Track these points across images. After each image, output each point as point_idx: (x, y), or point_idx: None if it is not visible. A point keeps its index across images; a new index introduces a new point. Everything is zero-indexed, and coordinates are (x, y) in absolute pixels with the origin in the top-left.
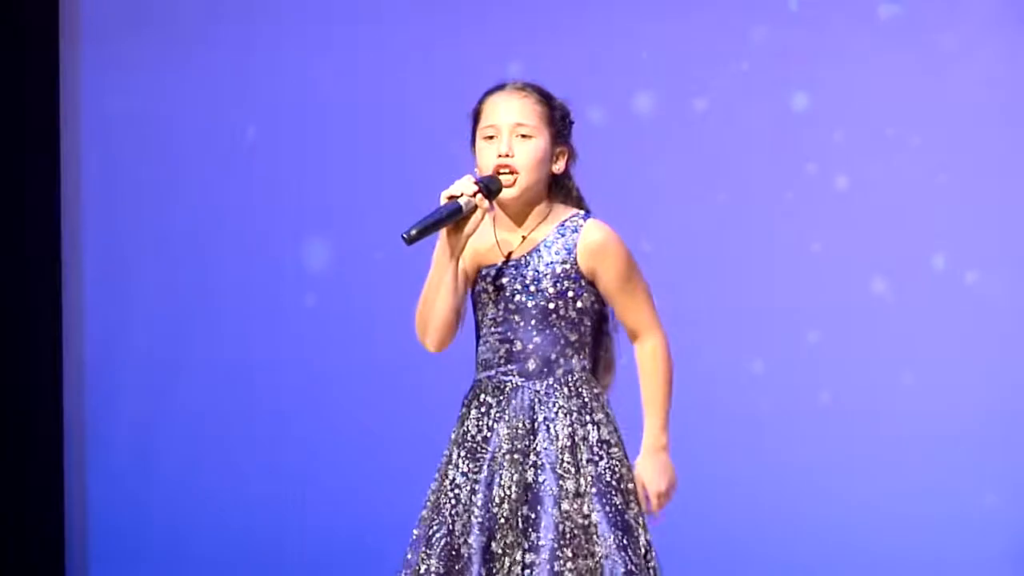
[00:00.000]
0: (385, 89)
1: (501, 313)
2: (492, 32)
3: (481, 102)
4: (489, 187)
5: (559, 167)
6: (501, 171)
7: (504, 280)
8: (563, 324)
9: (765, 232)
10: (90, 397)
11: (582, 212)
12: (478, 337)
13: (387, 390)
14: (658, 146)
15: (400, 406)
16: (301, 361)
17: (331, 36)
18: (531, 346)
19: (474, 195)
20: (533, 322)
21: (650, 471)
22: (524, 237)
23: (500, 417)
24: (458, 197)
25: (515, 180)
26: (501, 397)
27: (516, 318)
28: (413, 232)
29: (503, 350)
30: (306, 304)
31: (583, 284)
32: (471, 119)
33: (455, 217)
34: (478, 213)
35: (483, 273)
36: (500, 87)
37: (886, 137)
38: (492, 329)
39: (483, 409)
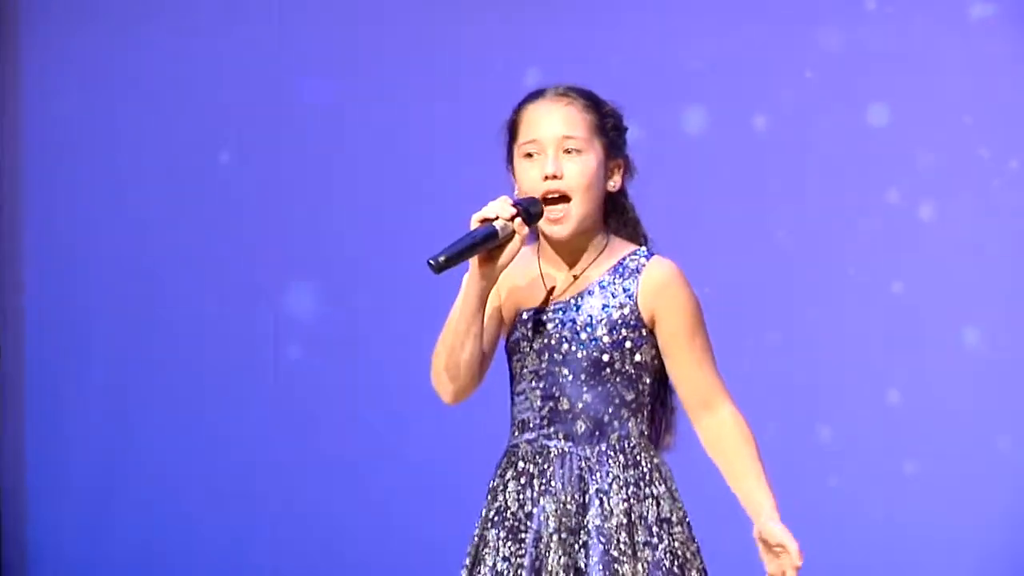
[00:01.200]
0: (384, 106)
1: (544, 365)
2: (508, 36)
3: (517, 113)
4: (529, 210)
5: (615, 183)
6: (550, 195)
7: (549, 326)
8: (618, 380)
9: (835, 271)
10: (32, 469)
11: (644, 249)
12: (514, 393)
13: (383, 458)
14: (709, 170)
15: (400, 479)
16: (281, 422)
17: (319, 45)
18: (580, 404)
19: (511, 219)
20: (583, 376)
21: (783, 528)
22: (575, 276)
23: (545, 489)
24: (493, 220)
25: (567, 211)
26: (545, 465)
27: (563, 371)
28: (442, 258)
29: (546, 408)
30: (289, 357)
31: (643, 334)
32: (506, 133)
33: (490, 243)
34: (515, 240)
35: (523, 317)
36: (539, 94)
37: (980, 159)
38: (533, 384)
39: (523, 480)
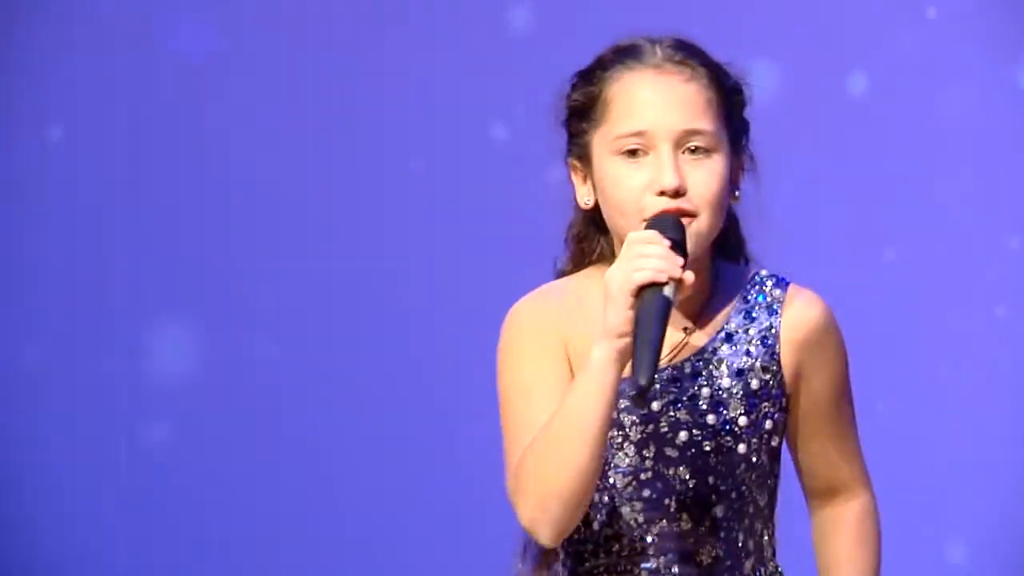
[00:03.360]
0: (297, 62)
1: (650, 463)
2: None
3: (603, 81)
4: (680, 244)
5: (739, 194)
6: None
7: (654, 406)
8: (753, 479)
9: (973, 310)
10: None
11: (765, 272)
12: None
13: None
14: (786, 157)
15: None
16: (149, 532)
17: None
18: (708, 523)
19: (682, 275)
20: (712, 480)
21: None
22: (686, 329)
23: None
24: (662, 284)
25: (693, 237)
26: None
27: (680, 473)
28: (644, 381)
29: (655, 531)
30: (154, 437)
31: (783, 406)
32: (575, 108)
33: (667, 317)
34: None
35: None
36: (639, 53)
37: None
38: (629, 491)
39: None
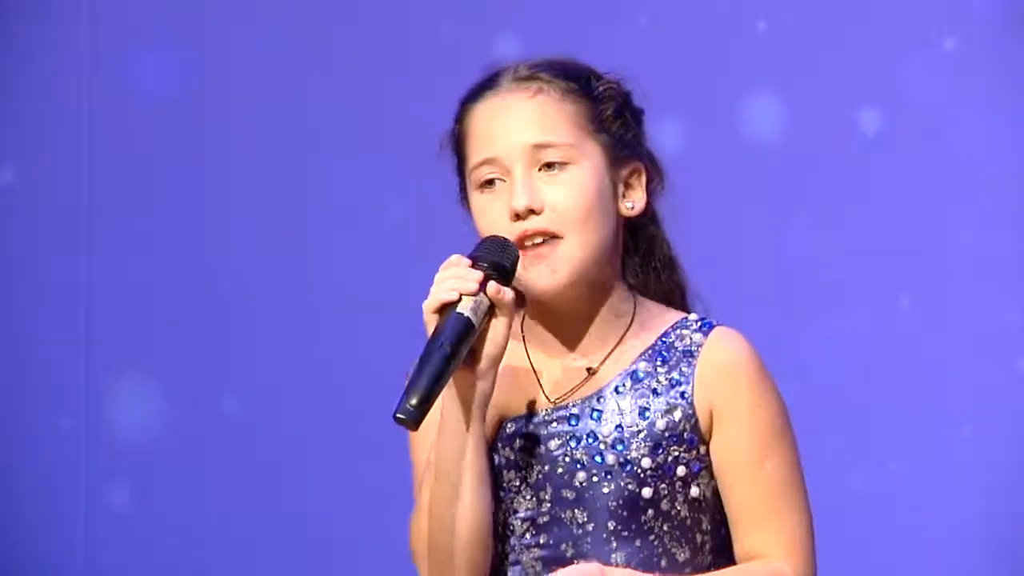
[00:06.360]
0: (268, 100)
1: (547, 508)
2: None
3: (461, 118)
4: (500, 264)
5: (634, 203)
6: (528, 242)
7: (552, 445)
8: (665, 530)
9: (993, 361)
10: None
11: (694, 317)
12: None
13: None
14: (794, 198)
15: None
16: None
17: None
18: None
19: (480, 289)
20: (612, 524)
21: None
22: (590, 370)
23: None
24: (455, 303)
25: (555, 251)
26: None
27: (578, 516)
28: (413, 402)
29: None
30: (113, 505)
31: (701, 453)
32: (450, 149)
33: (469, 340)
34: (500, 318)
35: (507, 431)
36: (490, 84)
37: None
38: (527, 538)
39: None
